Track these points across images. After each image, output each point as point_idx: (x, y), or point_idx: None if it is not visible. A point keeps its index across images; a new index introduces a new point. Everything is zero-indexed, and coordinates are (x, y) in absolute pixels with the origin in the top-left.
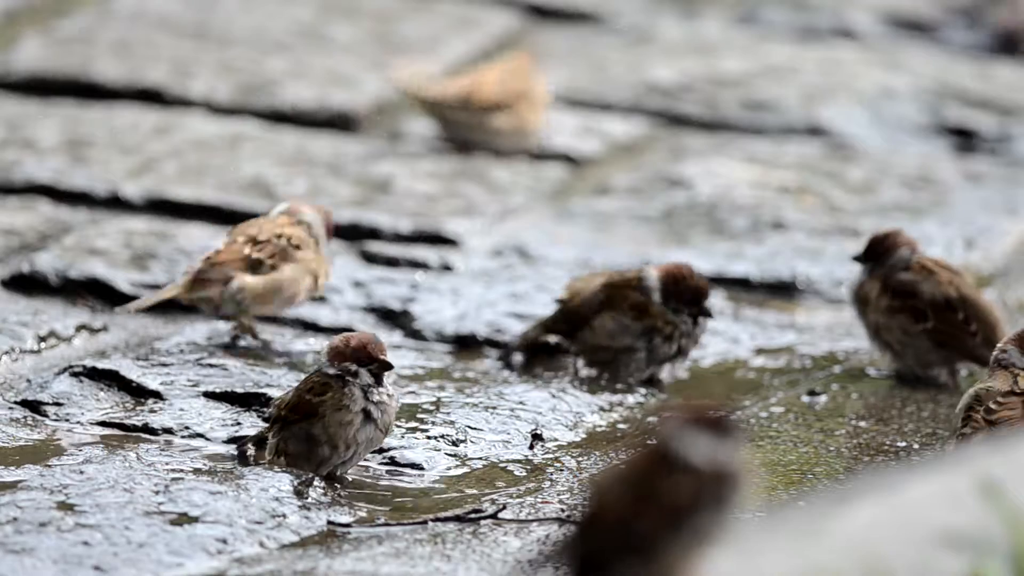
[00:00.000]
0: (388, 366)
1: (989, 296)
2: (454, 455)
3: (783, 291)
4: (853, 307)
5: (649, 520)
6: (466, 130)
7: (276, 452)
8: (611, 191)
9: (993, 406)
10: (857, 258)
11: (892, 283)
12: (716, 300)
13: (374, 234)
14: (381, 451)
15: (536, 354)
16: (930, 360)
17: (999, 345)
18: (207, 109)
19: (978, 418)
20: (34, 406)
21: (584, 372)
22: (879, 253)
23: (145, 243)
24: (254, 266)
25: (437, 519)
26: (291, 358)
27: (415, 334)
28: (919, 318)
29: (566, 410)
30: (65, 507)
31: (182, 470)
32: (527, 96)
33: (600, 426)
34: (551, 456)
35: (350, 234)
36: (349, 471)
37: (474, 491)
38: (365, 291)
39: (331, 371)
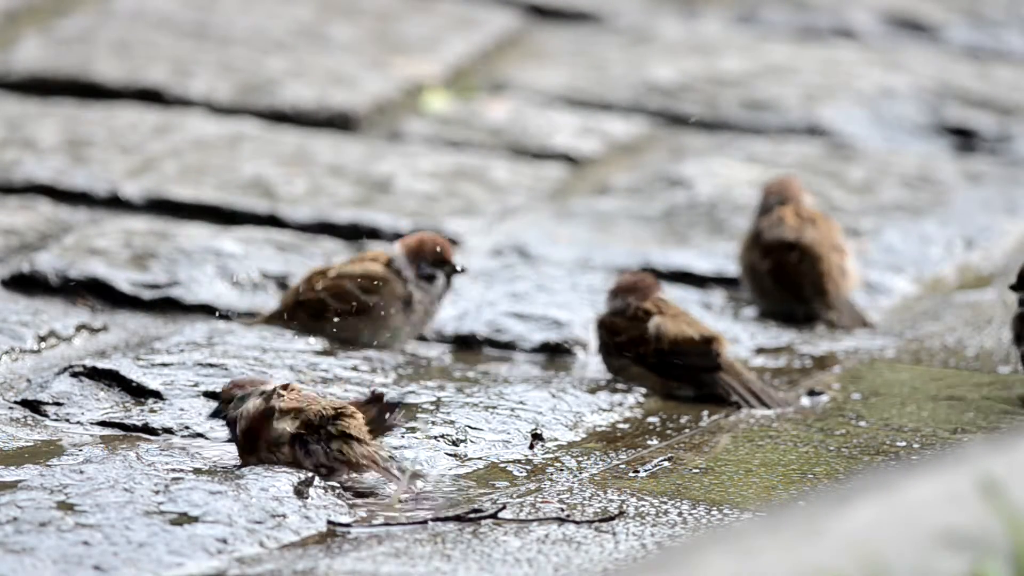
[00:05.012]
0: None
1: (986, 296)
2: (454, 455)
3: None
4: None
5: None
6: None
7: None
8: (611, 191)
9: None
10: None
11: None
12: (716, 299)
13: (374, 234)
14: None
15: None
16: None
17: None
18: (207, 109)
19: None
20: (34, 406)
21: None
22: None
23: (145, 243)
24: None
25: (437, 519)
26: (291, 358)
27: None
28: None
29: (566, 410)
30: (65, 507)
31: (182, 470)
32: None
33: (600, 426)
34: (551, 456)
35: (350, 234)
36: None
37: (474, 491)
38: None
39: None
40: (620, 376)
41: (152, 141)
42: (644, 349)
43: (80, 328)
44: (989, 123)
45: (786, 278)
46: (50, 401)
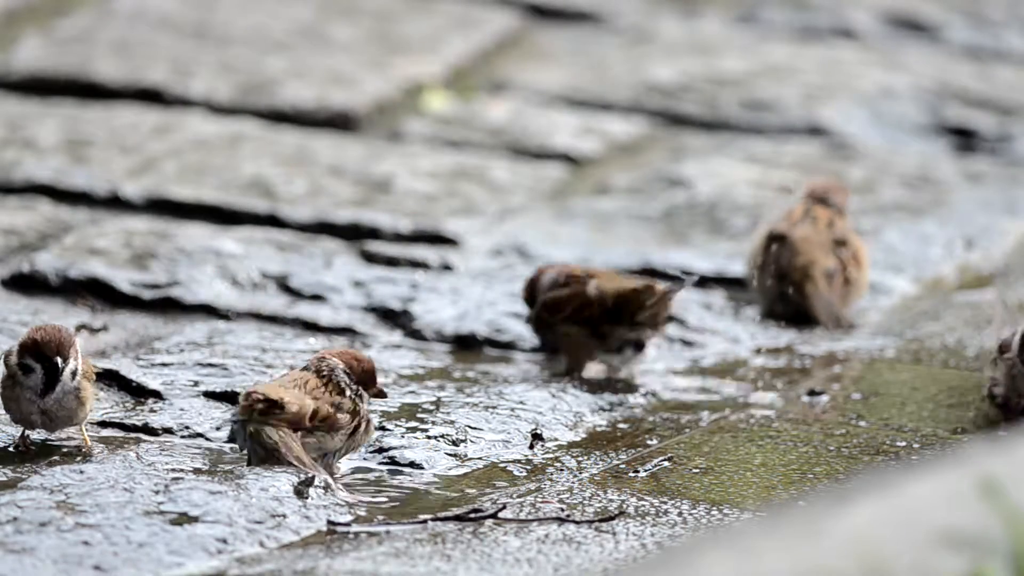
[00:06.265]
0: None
1: (986, 296)
2: (454, 455)
3: None
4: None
5: None
6: None
7: None
8: (611, 191)
9: None
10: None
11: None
12: (717, 300)
13: (374, 234)
14: (381, 451)
15: None
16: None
17: None
18: (207, 109)
19: None
20: None
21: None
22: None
23: (145, 243)
24: None
25: (437, 519)
26: (292, 358)
27: (415, 334)
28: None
29: (566, 410)
30: (65, 507)
31: (182, 470)
32: None
33: (600, 426)
34: (551, 456)
35: (350, 234)
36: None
37: (474, 491)
38: (365, 291)
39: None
40: (560, 350)
41: (152, 141)
42: (589, 312)
43: (80, 328)
44: (989, 123)
45: (771, 270)
46: None
